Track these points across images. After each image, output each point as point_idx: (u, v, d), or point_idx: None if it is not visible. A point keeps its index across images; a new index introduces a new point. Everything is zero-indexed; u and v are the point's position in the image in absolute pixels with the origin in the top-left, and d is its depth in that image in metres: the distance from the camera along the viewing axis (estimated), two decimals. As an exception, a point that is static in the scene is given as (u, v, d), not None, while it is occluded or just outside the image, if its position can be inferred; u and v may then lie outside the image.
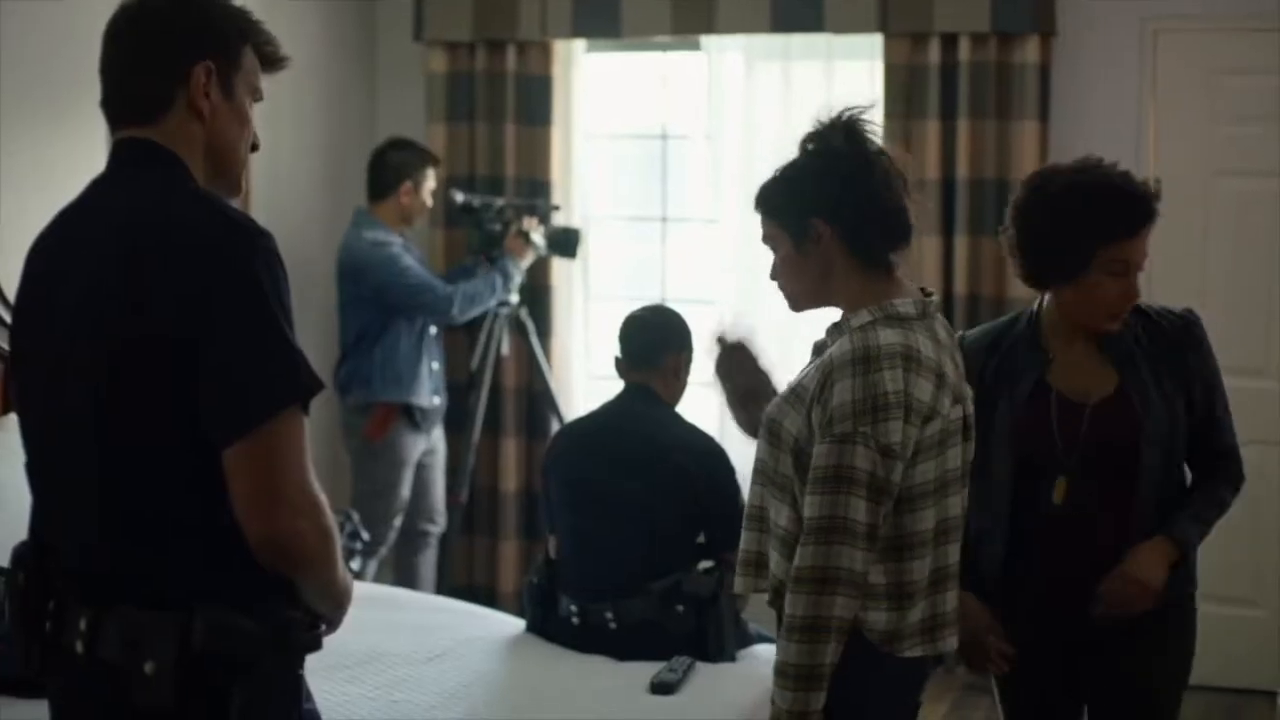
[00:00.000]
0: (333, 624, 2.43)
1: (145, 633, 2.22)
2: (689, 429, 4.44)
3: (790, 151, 3.01)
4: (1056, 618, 3.40)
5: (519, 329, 6.41)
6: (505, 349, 6.42)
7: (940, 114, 6.00)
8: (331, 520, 2.27)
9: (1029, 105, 5.93)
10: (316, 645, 2.38)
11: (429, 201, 6.21)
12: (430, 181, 6.19)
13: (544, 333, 6.53)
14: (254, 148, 2.49)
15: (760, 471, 2.99)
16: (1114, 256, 3.25)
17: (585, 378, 6.64)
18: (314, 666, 2.44)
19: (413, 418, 6.05)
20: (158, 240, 2.25)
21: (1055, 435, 3.32)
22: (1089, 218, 3.24)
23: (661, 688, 3.97)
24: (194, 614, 2.22)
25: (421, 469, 6.20)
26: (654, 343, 4.45)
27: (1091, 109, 6.05)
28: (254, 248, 2.25)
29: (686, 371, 4.50)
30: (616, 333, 4.53)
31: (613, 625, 4.27)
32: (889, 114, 5.99)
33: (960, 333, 3.41)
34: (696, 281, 6.71)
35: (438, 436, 6.27)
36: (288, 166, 6.34)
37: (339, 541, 2.31)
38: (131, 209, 2.31)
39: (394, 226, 6.12)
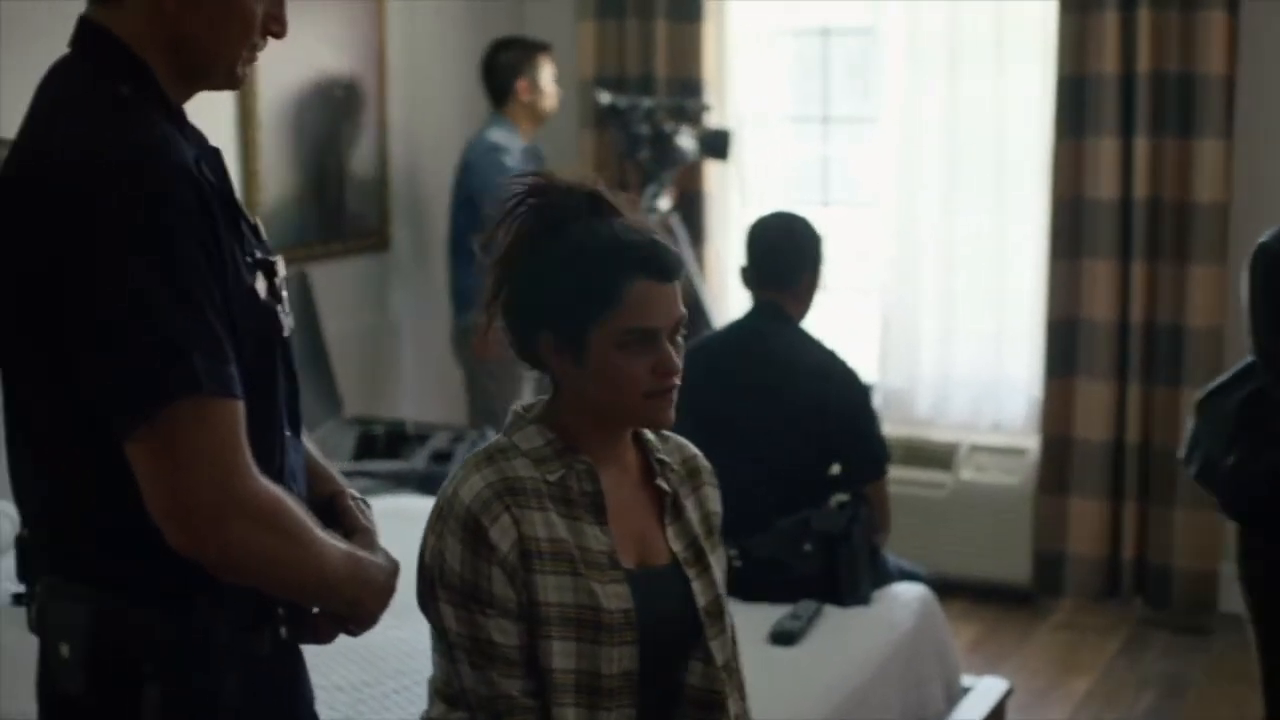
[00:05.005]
0: (356, 620, 2.09)
1: (61, 610, 1.94)
2: (823, 351, 4.12)
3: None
4: None
5: (669, 235, 6.08)
6: (655, 258, 6.11)
7: (1119, 4, 5.51)
8: (282, 511, 1.90)
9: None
10: (258, 649, 2.02)
11: (552, 91, 5.90)
12: (546, 70, 5.88)
13: (696, 239, 6.22)
14: (275, 34, 2.04)
15: None
16: None
17: (740, 286, 6.29)
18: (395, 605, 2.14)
19: None
20: (27, 182, 1.88)
21: None
22: None
23: (782, 637, 3.69)
24: (99, 606, 1.92)
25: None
26: (790, 262, 4.13)
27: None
28: (127, 199, 1.81)
29: (817, 284, 4.17)
30: (746, 240, 4.21)
31: (737, 563, 3.97)
32: (1064, 7, 5.54)
33: None
34: (858, 183, 6.34)
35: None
36: (428, 70, 6.09)
37: (306, 527, 1.94)
38: (33, 123, 1.94)
39: (526, 128, 5.84)
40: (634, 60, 6.29)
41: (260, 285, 2.00)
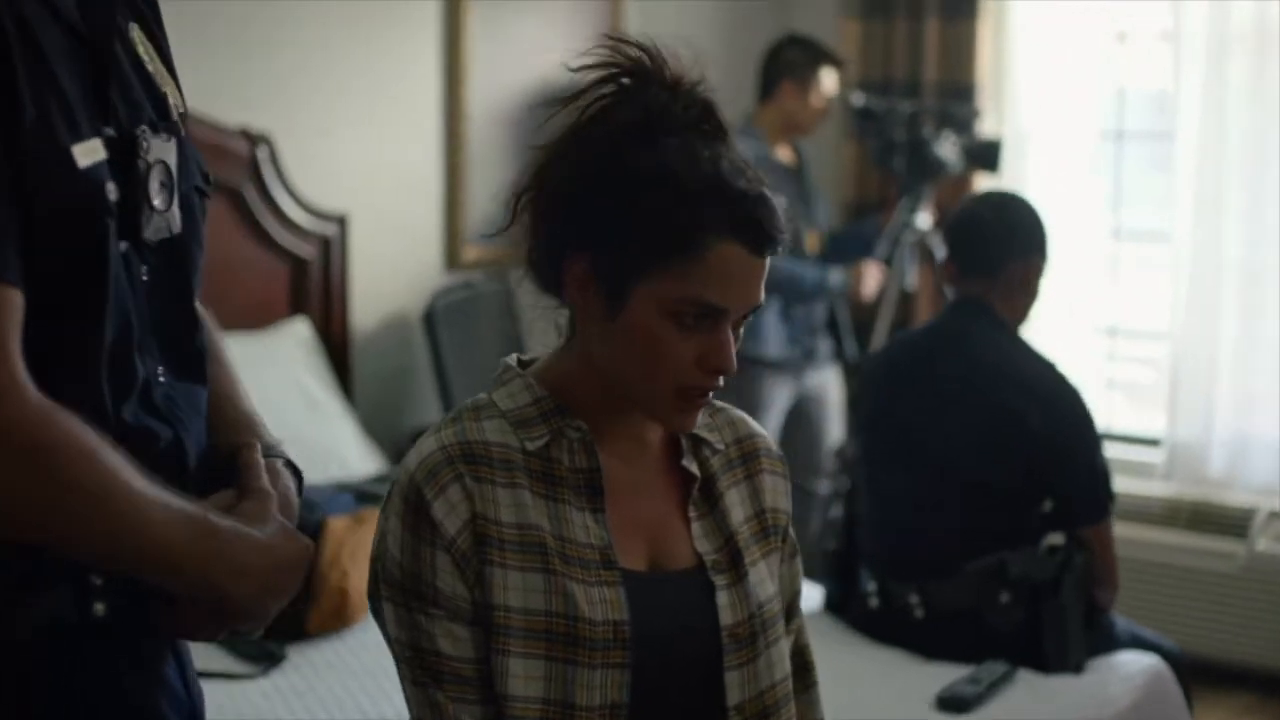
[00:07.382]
0: (229, 611, 1.56)
1: None
2: (1033, 359, 3.44)
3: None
4: None
5: (928, 257, 5.44)
6: (912, 281, 5.46)
7: None
8: (60, 446, 1.40)
9: None
10: (19, 632, 1.49)
11: (818, 108, 5.32)
12: (825, 85, 5.31)
13: (961, 264, 5.54)
14: None
15: None
16: None
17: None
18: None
19: (763, 362, 5.15)
20: None
21: None
22: None
23: (951, 703, 3.02)
24: None
25: (799, 417, 5.31)
26: (997, 245, 3.44)
27: None
28: None
29: (1037, 283, 3.48)
30: (945, 226, 3.56)
31: (918, 612, 3.32)
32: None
33: None
34: (1152, 208, 5.57)
35: (822, 380, 5.36)
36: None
37: (107, 475, 1.42)
38: None
39: (776, 136, 5.27)
40: (901, 62, 5.68)
41: (87, 152, 1.48)
